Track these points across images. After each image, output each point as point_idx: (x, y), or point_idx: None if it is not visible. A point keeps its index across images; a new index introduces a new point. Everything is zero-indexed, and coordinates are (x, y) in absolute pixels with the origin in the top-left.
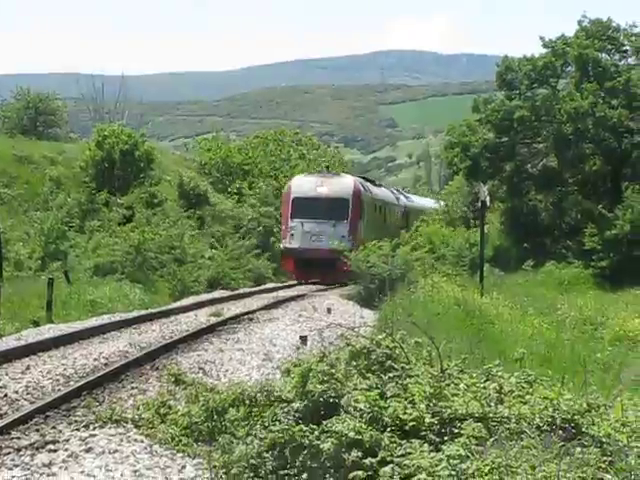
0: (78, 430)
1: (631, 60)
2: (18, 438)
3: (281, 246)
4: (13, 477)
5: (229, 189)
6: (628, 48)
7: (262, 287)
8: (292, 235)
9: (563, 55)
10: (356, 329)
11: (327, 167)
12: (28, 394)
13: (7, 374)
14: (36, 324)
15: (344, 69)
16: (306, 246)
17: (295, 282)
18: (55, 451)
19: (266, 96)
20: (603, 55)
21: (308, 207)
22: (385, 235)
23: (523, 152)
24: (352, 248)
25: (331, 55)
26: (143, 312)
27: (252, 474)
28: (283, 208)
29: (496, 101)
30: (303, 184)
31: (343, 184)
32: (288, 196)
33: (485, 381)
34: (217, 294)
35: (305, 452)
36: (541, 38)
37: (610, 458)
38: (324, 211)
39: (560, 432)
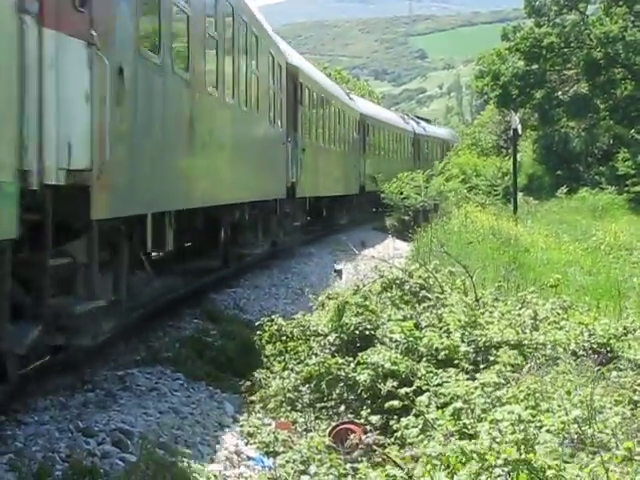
0: None
1: None
2: None
3: None
4: None
5: None
6: None
7: None
8: None
9: None
10: (389, 260)
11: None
12: None
13: None
14: None
15: (371, 1)
16: None
17: None
18: None
19: (293, 32)
20: None
21: None
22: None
23: (553, 79)
24: None
25: None
26: None
27: (289, 407)
28: None
29: (525, 28)
30: None
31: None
32: None
33: (520, 308)
34: None
35: (341, 384)
36: None
37: None
38: None
39: (595, 356)
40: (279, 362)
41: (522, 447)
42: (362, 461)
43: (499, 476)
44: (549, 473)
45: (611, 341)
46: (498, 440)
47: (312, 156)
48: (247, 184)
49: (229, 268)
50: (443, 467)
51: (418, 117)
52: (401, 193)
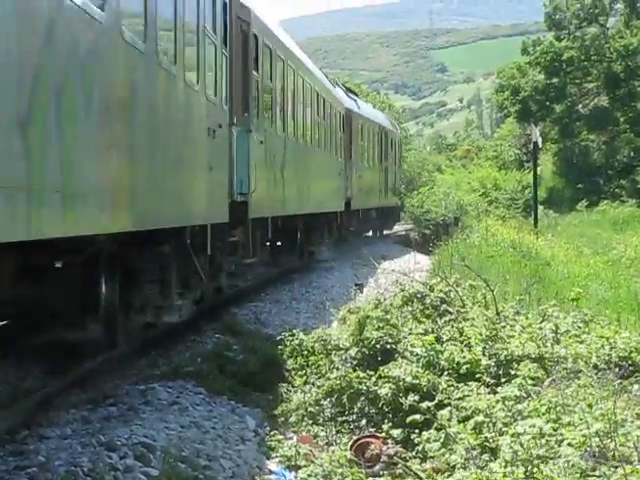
0: None
1: None
2: None
3: None
4: None
5: None
6: None
7: None
8: None
9: None
10: (410, 274)
11: None
12: None
13: None
14: None
15: (392, 16)
16: None
17: None
18: None
19: (313, 46)
20: None
21: None
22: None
23: (573, 92)
24: None
25: (378, 2)
26: None
27: (310, 421)
28: None
29: (545, 42)
30: None
31: None
32: None
33: (541, 322)
34: None
35: (363, 398)
36: None
37: None
38: None
39: (617, 370)
40: (300, 376)
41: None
42: (383, 474)
43: None
44: None
45: (632, 354)
46: (520, 454)
47: (273, 152)
48: None
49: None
50: None
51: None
52: (421, 207)
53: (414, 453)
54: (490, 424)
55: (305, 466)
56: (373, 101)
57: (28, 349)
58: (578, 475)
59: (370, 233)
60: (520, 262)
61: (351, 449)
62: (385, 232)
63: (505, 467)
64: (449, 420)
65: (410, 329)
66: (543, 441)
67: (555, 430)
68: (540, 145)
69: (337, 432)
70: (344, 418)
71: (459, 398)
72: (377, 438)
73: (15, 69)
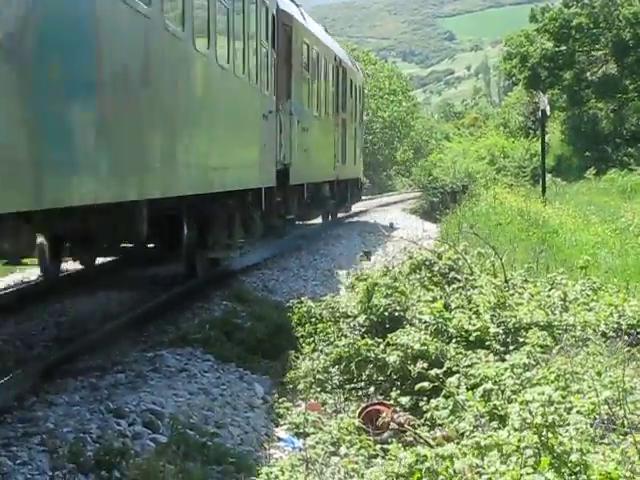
0: None
1: None
2: None
3: None
4: None
5: None
6: None
7: None
8: None
9: None
10: (418, 242)
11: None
12: None
13: None
14: None
15: None
16: None
17: None
18: None
19: (321, 13)
20: None
21: None
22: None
23: (582, 60)
24: None
25: None
26: None
27: (319, 389)
28: None
29: (554, 9)
30: None
31: None
32: None
33: (549, 289)
34: None
35: (371, 365)
36: None
37: None
38: None
39: (626, 337)
40: (308, 344)
41: (544, 431)
42: (392, 442)
43: (529, 457)
44: (573, 457)
45: None
46: (528, 421)
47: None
48: None
49: None
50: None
51: None
52: (429, 175)
53: (422, 421)
54: (499, 392)
55: (313, 433)
56: (382, 69)
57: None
58: (588, 442)
59: (320, 219)
60: (528, 230)
61: (359, 416)
62: (340, 215)
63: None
64: (457, 387)
65: (418, 297)
66: (552, 409)
67: (564, 398)
68: (548, 113)
69: (345, 400)
70: (352, 385)
71: (467, 366)
72: (385, 406)
73: None
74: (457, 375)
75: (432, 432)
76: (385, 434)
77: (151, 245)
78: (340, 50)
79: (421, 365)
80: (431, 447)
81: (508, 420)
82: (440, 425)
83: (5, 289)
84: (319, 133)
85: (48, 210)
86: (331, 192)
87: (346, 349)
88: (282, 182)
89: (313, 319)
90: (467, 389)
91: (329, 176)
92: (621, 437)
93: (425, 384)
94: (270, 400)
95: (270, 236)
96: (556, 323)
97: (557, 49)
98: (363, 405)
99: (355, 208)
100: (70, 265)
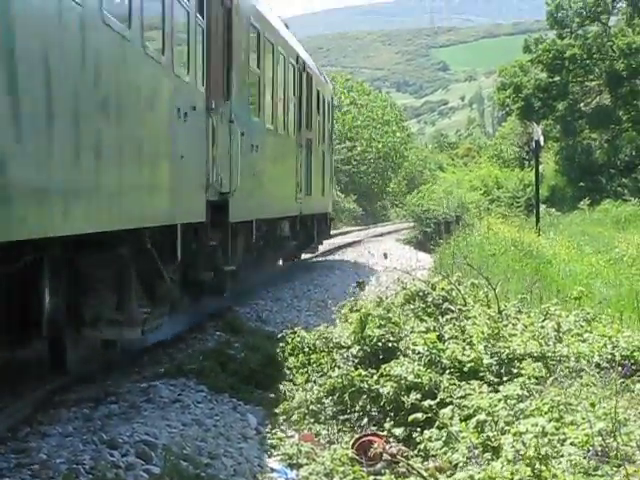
0: None
1: None
2: None
3: None
4: None
5: None
6: None
7: None
8: None
9: None
10: (412, 272)
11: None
12: None
13: None
14: None
15: (393, 14)
16: None
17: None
18: None
19: (315, 44)
20: None
21: None
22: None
23: (576, 90)
24: None
25: (379, 0)
26: None
27: (312, 420)
28: None
29: (547, 40)
30: None
31: None
32: None
33: (543, 320)
34: None
35: (364, 396)
36: None
37: None
38: None
39: (619, 369)
40: (302, 374)
41: (537, 464)
42: (385, 473)
43: None
44: None
45: (635, 353)
46: (522, 453)
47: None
48: None
49: None
50: None
51: None
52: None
53: (416, 452)
54: (492, 423)
55: (307, 464)
56: (375, 99)
57: None
58: (581, 475)
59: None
60: (522, 260)
61: (353, 447)
62: (304, 256)
63: (507, 466)
64: (451, 419)
65: (412, 327)
66: (545, 440)
67: (557, 429)
68: (542, 143)
69: (339, 430)
70: (346, 416)
71: (461, 397)
72: (379, 437)
73: None
74: (450, 406)
75: (425, 463)
76: (378, 465)
77: None
78: (305, 53)
79: (414, 396)
80: (424, 478)
81: (501, 451)
82: (433, 456)
83: None
84: (275, 154)
85: None
86: (292, 231)
87: (339, 380)
88: (219, 219)
89: (306, 349)
90: (460, 420)
91: (290, 210)
92: (614, 469)
93: (418, 415)
94: (263, 431)
95: (200, 297)
96: (550, 354)
97: (551, 80)
98: (356, 436)
99: (349, 239)
100: None
